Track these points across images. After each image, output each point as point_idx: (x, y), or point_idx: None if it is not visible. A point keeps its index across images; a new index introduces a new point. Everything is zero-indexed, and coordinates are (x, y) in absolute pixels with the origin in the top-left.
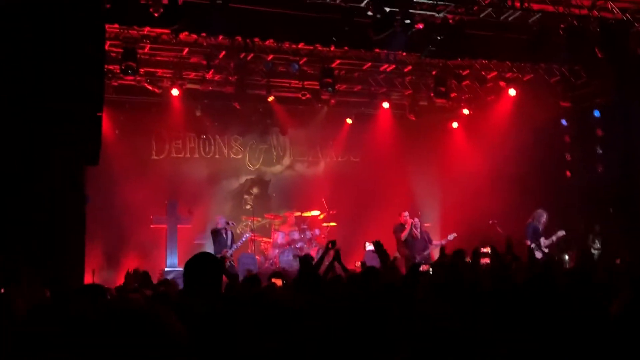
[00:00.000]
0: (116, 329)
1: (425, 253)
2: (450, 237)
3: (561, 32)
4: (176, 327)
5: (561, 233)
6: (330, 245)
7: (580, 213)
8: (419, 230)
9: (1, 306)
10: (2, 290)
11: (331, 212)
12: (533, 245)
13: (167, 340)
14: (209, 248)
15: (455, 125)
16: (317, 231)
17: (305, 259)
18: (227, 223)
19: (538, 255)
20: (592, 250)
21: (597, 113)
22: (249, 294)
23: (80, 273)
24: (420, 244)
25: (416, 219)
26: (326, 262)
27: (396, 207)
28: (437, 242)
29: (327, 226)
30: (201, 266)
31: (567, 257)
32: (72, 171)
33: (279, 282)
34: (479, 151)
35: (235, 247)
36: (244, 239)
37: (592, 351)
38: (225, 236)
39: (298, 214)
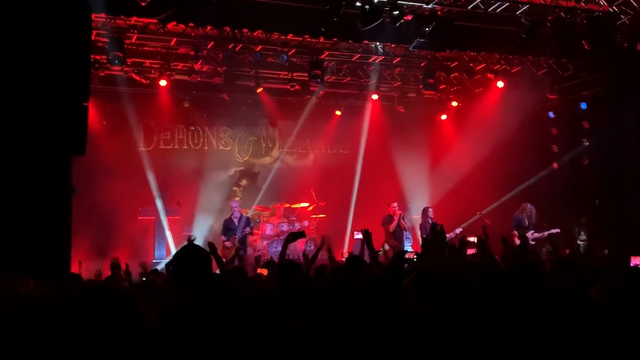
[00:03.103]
0: (91, 306)
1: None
2: (457, 230)
3: (549, 24)
4: (148, 313)
5: (555, 231)
6: (290, 238)
7: (566, 205)
8: (407, 221)
9: None
10: None
11: (320, 203)
12: (518, 237)
13: (138, 322)
14: (199, 240)
15: (443, 117)
16: (306, 223)
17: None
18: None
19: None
20: (578, 242)
21: (583, 105)
22: (233, 284)
23: (67, 265)
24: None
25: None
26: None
27: (385, 199)
28: (448, 234)
29: (316, 218)
30: (187, 259)
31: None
32: (58, 161)
33: (264, 272)
34: (468, 143)
35: (241, 233)
36: (252, 225)
37: (572, 335)
38: (237, 223)
39: (287, 205)
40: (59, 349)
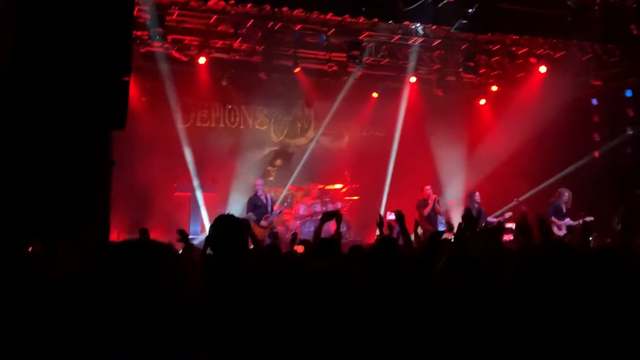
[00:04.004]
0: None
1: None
2: (507, 215)
3: (596, 7)
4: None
5: (589, 219)
6: (326, 217)
7: (606, 194)
8: (441, 206)
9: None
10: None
11: (354, 185)
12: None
13: (187, 279)
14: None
15: (482, 102)
16: (339, 204)
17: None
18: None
19: (559, 233)
20: (616, 232)
21: (629, 93)
22: (269, 260)
23: (106, 237)
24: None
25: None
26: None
27: (419, 183)
28: (492, 218)
29: (350, 200)
30: (225, 228)
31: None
32: (99, 136)
33: (300, 249)
34: (506, 128)
35: (277, 213)
36: (285, 205)
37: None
38: (265, 201)
39: (321, 186)
40: (107, 305)
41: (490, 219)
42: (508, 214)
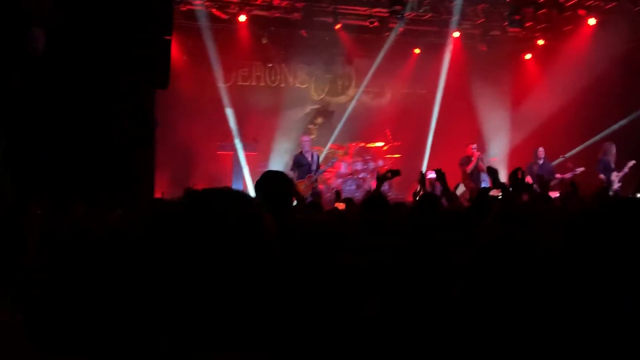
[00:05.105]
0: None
1: None
2: (578, 170)
3: None
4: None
5: (631, 163)
6: (389, 175)
7: None
8: (484, 163)
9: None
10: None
11: (395, 143)
12: (605, 180)
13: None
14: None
15: (528, 56)
16: (380, 162)
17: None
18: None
19: (615, 187)
20: None
21: None
22: (311, 217)
23: (150, 197)
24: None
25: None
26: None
27: (462, 140)
28: (560, 175)
29: (391, 158)
30: (273, 183)
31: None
32: (143, 94)
33: (341, 206)
34: (553, 84)
35: (321, 172)
36: (330, 165)
37: None
38: (310, 159)
39: (362, 144)
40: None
41: (558, 176)
42: (579, 169)
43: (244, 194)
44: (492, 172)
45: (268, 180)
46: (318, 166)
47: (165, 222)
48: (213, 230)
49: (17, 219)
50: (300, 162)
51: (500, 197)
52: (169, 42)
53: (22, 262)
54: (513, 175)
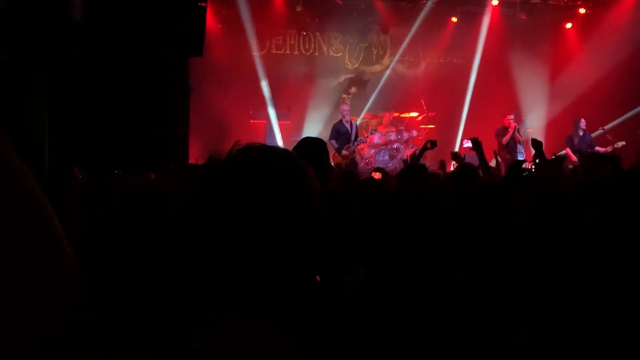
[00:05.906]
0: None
1: None
2: (619, 144)
3: None
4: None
5: (620, 144)
6: (429, 145)
7: None
8: (521, 135)
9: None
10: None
11: (430, 114)
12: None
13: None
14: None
15: (569, 25)
16: (414, 132)
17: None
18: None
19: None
20: None
21: None
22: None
23: (185, 162)
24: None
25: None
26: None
27: (499, 111)
28: (601, 148)
29: (425, 128)
30: (311, 150)
31: None
32: (177, 62)
33: (377, 175)
34: (594, 54)
35: (359, 142)
36: (369, 136)
37: None
38: (349, 128)
39: (396, 114)
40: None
41: (600, 149)
42: (620, 143)
43: (291, 152)
44: (537, 145)
45: (307, 147)
46: (357, 136)
47: (217, 178)
48: (269, 185)
49: (61, 182)
50: (339, 131)
51: (533, 169)
52: (204, 9)
53: (65, 227)
54: (534, 143)
